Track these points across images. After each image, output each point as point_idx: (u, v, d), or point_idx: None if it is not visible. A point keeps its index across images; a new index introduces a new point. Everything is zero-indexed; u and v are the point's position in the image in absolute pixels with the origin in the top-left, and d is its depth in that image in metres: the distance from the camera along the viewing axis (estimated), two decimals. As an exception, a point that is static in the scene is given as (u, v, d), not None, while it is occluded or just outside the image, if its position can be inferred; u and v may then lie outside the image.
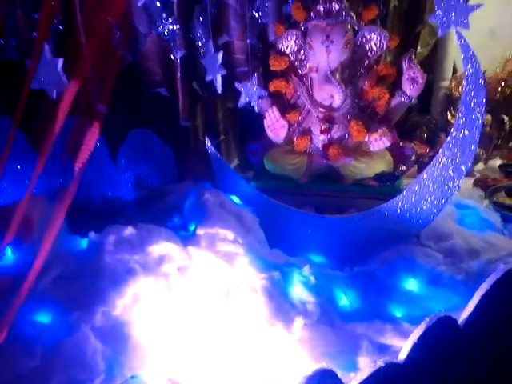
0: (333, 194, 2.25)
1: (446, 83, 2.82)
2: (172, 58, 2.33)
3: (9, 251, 1.64)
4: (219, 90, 2.12)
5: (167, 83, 2.45)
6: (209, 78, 2.11)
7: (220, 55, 2.03)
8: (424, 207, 1.92)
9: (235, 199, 2.06)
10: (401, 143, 2.31)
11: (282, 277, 1.65)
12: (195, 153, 2.47)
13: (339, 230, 2.04)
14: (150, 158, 2.31)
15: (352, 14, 2.16)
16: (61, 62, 1.74)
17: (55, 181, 2.05)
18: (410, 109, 2.62)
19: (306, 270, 1.70)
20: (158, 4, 2.11)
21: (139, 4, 2.07)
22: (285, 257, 1.87)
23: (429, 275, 1.79)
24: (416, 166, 2.48)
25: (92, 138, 1.38)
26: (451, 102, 2.80)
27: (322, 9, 2.13)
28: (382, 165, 2.20)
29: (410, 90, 2.19)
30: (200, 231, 1.77)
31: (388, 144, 2.15)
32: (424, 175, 1.88)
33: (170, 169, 2.35)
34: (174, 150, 2.41)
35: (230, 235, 1.75)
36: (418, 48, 2.79)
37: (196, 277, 1.60)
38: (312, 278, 1.68)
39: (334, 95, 2.17)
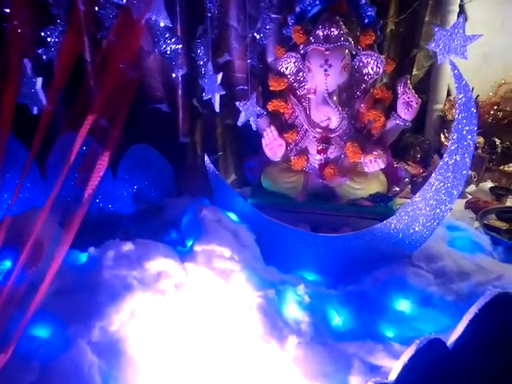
0: (328, 212, 2.30)
1: (439, 106, 2.89)
2: (173, 75, 2.38)
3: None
4: (217, 108, 2.17)
5: (168, 99, 2.50)
6: (207, 96, 2.16)
7: (219, 76, 2.08)
8: (416, 229, 1.97)
9: (232, 216, 2.10)
10: (395, 164, 2.37)
11: (276, 295, 1.69)
12: (194, 168, 2.51)
13: (333, 248, 2.08)
14: (149, 173, 2.34)
15: (350, 39, 2.23)
16: (40, 80, 1.81)
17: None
18: (404, 130, 2.71)
19: (301, 288, 1.74)
20: (162, 24, 2.16)
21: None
22: (280, 274, 1.90)
23: (420, 296, 1.83)
24: (410, 185, 2.54)
25: (102, 166, 1.42)
26: (445, 123, 2.87)
27: (321, 33, 2.20)
28: (376, 186, 2.26)
29: (405, 113, 2.25)
30: (197, 247, 1.80)
31: (383, 166, 2.20)
32: (417, 197, 1.93)
33: (168, 184, 2.39)
34: (174, 166, 2.45)
35: (227, 252, 1.78)
36: (414, 70, 2.87)
37: (192, 293, 1.63)
38: (306, 297, 1.71)
39: (330, 117, 2.23)
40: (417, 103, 2.24)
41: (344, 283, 1.95)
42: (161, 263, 1.64)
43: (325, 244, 2.08)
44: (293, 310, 1.69)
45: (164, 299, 1.58)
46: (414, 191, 2.48)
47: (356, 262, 2.01)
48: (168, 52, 2.28)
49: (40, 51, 2.10)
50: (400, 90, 2.25)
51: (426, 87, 2.87)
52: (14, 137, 2.11)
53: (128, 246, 1.65)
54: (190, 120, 2.55)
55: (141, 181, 2.33)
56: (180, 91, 2.43)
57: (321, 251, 2.10)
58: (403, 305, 1.82)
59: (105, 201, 2.27)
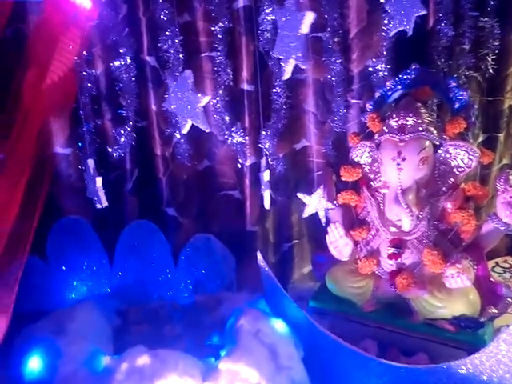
0: (400, 330, 1.92)
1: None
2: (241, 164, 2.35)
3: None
4: (267, 206, 2.05)
5: (240, 187, 2.47)
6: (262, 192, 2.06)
7: (266, 173, 1.97)
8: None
9: (279, 325, 1.88)
10: (492, 279, 1.89)
11: None
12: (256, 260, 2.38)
13: (402, 380, 1.70)
14: (210, 263, 2.30)
15: (432, 128, 1.92)
16: (100, 180, 1.92)
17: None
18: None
19: None
20: (227, 118, 2.17)
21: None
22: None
23: None
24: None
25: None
26: None
27: (394, 123, 1.94)
28: (462, 306, 1.81)
29: (506, 215, 1.81)
30: (223, 365, 1.63)
31: (468, 284, 1.76)
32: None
33: (229, 275, 2.30)
34: (237, 256, 2.36)
35: (254, 377, 1.57)
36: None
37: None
38: None
39: (401, 219, 1.90)
40: (522, 204, 1.79)
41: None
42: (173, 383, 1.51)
43: (392, 374, 1.72)
44: None
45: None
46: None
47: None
48: (235, 142, 2.26)
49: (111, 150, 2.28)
50: (500, 187, 1.83)
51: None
52: (89, 224, 2.29)
53: (144, 360, 1.57)
54: (261, 207, 2.46)
55: (201, 271, 2.29)
56: (248, 180, 2.37)
57: (386, 381, 1.74)
58: None
59: (164, 289, 2.28)
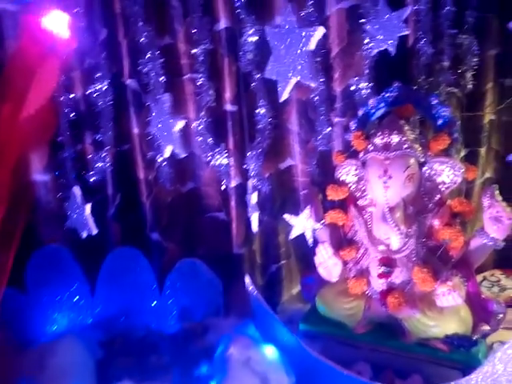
0: (393, 352, 1.88)
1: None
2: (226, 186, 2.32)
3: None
4: (254, 229, 2.02)
5: (226, 209, 2.43)
6: (249, 214, 2.03)
7: (254, 195, 1.94)
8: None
9: (270, 351, 1.83)
10: (483, 295, 1.88)
11: None
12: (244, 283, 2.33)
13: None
14: (196, 289, 2.23)
15: (417, 145, 1.92)
16: (89, 207, 1.87)
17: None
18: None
19: None
20: (211, 140, 2.14)
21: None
22: None
23: None
24: None
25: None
26: None
27: (379, 141, 1.94)
28: (454, 324, 1.79)
29: (494, 231, 1.80)
30: (214, 397, 1.57)
31: (460, 301, 1.75)
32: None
33: (216, 301, 2.23)
34: (224, 280, 2.30)
35: (246, 408, 1.51)
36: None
37: None
38: None
39: (390, 237, 1.89)
40: (510, 219, 1.78)
41: None
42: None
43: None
44: None
45: None
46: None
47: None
48: (220, 164, 2.23)
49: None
50: (486, 202, 1.83)
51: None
52: (69, 252, 2.21)
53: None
54: (247, 229, 2.42)
55: (187, 297, 2.22)
56: (233, 202, 2.33)
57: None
58: None
59: (149, 317, 2.20)
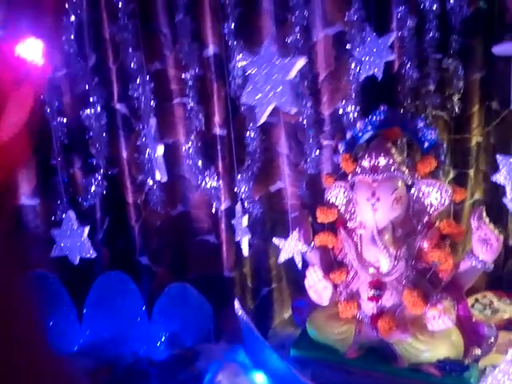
0: (385, 376, 1.85)
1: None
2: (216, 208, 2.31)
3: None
4: (245, 253, 2.00)
5: (216, 231, 2.42)
6: (237, 238, 2.02)
7: (245, 218, 1.93)
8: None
9: (260, 378, 1.79)
10: (475, 318, 1.86)
11: None
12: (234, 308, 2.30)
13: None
14: (186, 314, 2.19)
15: (404, 168, 1.94)
16: (87, 229, 1.84)
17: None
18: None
19: None
20: (200, 163, 2.15)
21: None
22: None
23: None
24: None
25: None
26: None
27: (367, 164, 1.95)
28: (445, 348, 1.76)
29: (482, 253, 1.80)
30: (201, 427, 1.53)
31: (450, 325, 1.73)
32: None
33: (206, 326, 2.20)
34: (215, 304, 2.27)
35: None
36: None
37: None
38: None
39: (379, 260, 1.88)
40: (497, 240, 1.79)
41: None
42: None
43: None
44: None
45: None
46: None
47: None
48: (209, 187, 2.23)
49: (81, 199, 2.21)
50: (474, 224, 1.83)
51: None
52: (56, 278, 2.18)
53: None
54: (237, 252, 2.40)
55: (176, 323, 2.18)
56: (223, 225, 2.32)
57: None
58: None
59: (138, 344, 2.16)
